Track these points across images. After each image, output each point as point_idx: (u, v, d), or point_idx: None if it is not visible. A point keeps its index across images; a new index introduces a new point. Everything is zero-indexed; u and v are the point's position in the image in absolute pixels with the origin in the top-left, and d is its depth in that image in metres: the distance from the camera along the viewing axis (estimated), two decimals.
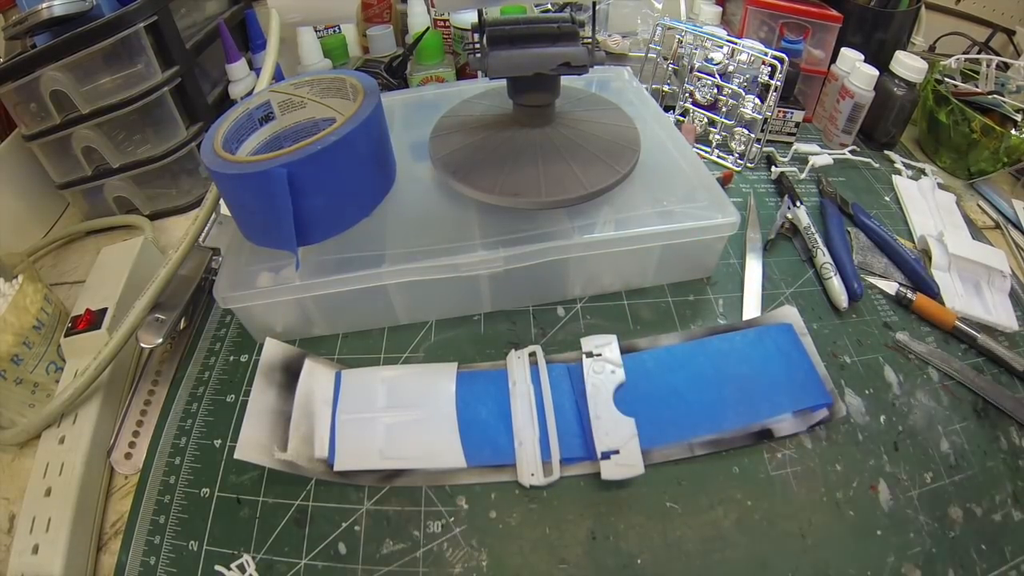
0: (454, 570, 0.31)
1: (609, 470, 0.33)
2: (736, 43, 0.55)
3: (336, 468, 0.34)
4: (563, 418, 0.35)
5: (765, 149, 0.58)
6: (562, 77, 0.43)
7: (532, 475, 0.33)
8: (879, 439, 0.36)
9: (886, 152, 0.61)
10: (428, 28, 0.65)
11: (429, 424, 0.35)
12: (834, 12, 0.60)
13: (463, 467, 0.34)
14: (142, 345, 0.39)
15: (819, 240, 0.48)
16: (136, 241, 0.48)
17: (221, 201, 0.43)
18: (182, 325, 0.41)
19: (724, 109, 0.58)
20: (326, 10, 0.58)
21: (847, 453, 0.36)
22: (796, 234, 0.50)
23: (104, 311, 0.41)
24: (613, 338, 0.38)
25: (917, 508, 0.34)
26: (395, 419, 0.36)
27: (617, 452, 0.33)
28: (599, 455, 0.33)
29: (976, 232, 0.52)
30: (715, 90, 0.58)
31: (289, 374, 0.38)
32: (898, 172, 0.59)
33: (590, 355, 0.37)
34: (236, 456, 0.33)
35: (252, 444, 0.34)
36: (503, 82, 0.44)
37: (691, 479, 0.34)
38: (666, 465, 0.34)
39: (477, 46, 0.41)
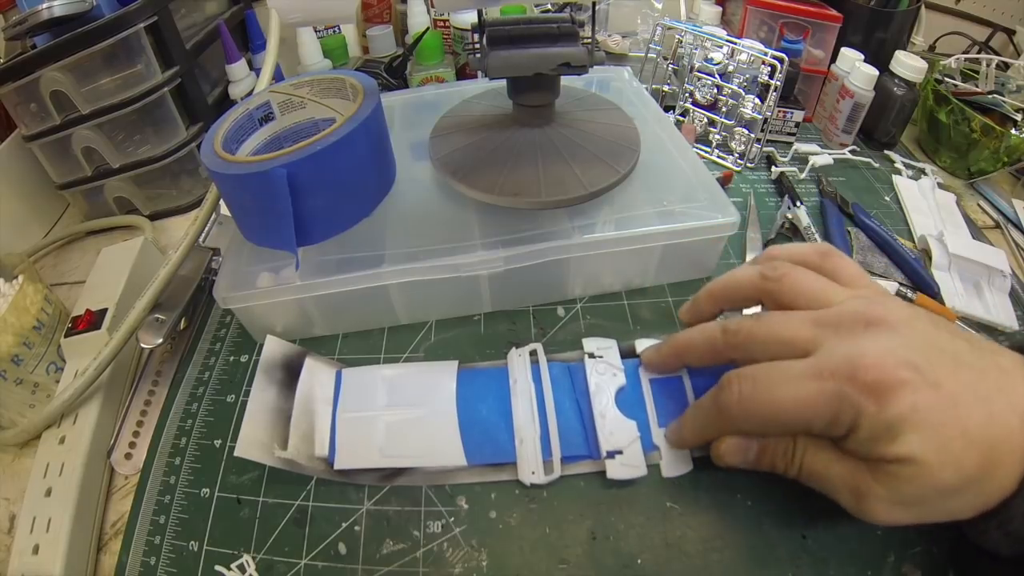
0: (454, 570, 0.31)
1: (615, 469, 0.33)
2: (736, 43, 0.55)
3: (336, 466, 0.34)
4: (564, 416, 0.35)
5: (765, 149, 0.58)
6: (562, 77, 0.43)
7: (533, 473, 0.33)
8: None
9: (886, 152, 0.61)
10: (428, 28, 0.65)
11: (429, 422, 0.35)
12: (834, 12, 0.60)
13: (463, 466, 0.34)
14: (142, 345, 0.39)
15: (819, 240, 0.48)
16: (136, 241, 0.48)
17: (221, 201, 0.43)
18: (182, 325, 0.41)
19: (724, 109, 0.58)
20: (326, 10, 0.58)
21: None
22: (796, 234, 0.50)
23: (104, 311, 0.41)
24: (613, 343, 0.38)
25: None
26: (395, 417, 0.36)
27: (620, 452, 0.33)
28: (603, 454, 0.33)
29: (976, 232, 0.52)
30: (715, 90, 0.58)
31: (289, 372, 0.38)
32: (898, 172, 0.59)
33: (592, 356, 0.37)
34: (236, 454, 0.33)
35: (252, 442, 0.34)
36: (503, 82, 0.44)
37: (691, 479, 0.34)
38: None
39: (477, 46, 0.41)
